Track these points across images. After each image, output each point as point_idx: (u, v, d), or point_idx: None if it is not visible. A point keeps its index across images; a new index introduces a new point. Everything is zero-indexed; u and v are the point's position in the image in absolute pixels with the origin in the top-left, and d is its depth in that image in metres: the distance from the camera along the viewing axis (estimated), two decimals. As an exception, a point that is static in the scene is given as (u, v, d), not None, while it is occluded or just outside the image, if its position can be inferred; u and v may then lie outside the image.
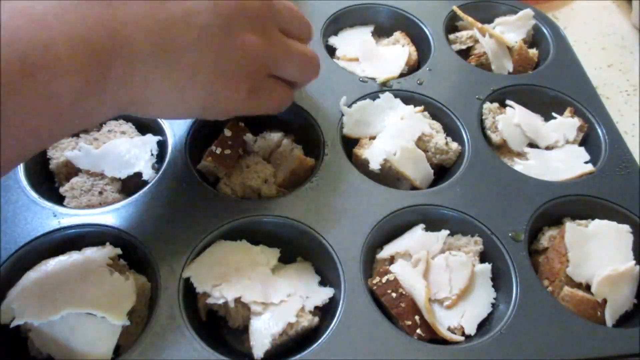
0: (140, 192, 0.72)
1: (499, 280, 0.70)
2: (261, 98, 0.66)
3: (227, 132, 0.77)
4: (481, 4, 1.03)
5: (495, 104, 0.88)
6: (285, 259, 0.70)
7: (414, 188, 0.78)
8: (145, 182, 0.74)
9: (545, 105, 0.90)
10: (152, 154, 0.75)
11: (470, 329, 0.66)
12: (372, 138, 0.82)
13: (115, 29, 0.50)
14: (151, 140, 0.77)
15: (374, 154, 0.78)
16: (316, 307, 0.66)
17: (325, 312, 0.67)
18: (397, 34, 0.98)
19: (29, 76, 0.45)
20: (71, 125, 0.53)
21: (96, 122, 0.63)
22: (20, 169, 0.72)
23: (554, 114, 0.89)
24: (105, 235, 0.67)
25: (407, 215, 0.73)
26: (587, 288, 0.69)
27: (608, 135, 0.85)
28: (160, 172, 0.74)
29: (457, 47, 0.98)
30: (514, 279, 0.68)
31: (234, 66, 0.60)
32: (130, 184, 0.74)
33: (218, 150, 0.75)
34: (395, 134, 0.80)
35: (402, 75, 0.90)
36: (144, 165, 0.74)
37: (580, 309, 0.67)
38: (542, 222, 0.76)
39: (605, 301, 0.68)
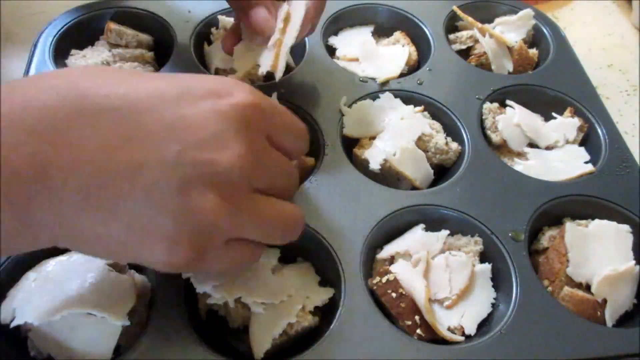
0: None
1: (499, 280, 0.70)
2: (209, 265, 0.53)
3: None
4: (481, 4, 1.03)
5: (495, 104, 0.88)
6: (285, 259, 0.70)
7: (414, 188, 0.79)
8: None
9: (545, 105, 0.90)
10: None
11: (470, 329, 0.66)
12: (372, 138, 0.82)
13: (44, 169, 0.44)
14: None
15: (374, 154, 0.78)
16: (316, 307, 0.66)
17: (325, 312, 0.67)
18: (397, 34, 0.98)
19: None
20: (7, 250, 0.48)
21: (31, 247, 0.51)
22: (20, 169, 0.72)
23: (554, 114, 0.89)
24: (105, 235, 0.67)
25: (407, 215, 0.73)
26: (587, 288, 0.69)
27: (608, 135, 0.85)
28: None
29: (457, 47, 0.98)
30: (514, 279, 0.68)
31: (178, 232, 0.48)
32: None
33: None
34: (395, 134, 0.80)
35: (402, 75, 0.90)
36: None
37: (580, 309, 0.67)
38: (542, 222, 0.76)
39: (605, 301, 0.68)
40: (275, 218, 0.55)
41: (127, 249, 0.50)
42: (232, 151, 0.50)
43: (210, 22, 0.94)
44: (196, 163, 0.48)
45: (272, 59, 0.74)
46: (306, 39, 0.93)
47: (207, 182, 0.49)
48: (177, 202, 0.48)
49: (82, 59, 0.87)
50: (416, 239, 0.71)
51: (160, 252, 0.49)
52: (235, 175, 0.50)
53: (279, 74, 0.75)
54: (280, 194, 0.56)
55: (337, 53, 0.96)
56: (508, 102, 0.89)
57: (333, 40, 0.98)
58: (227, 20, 0.93)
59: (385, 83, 0.88)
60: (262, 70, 0.75)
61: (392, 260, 0.71)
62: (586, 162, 0.83)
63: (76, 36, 0.90)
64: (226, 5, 0.96)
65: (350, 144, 0.82)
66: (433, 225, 0.73)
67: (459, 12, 0.99)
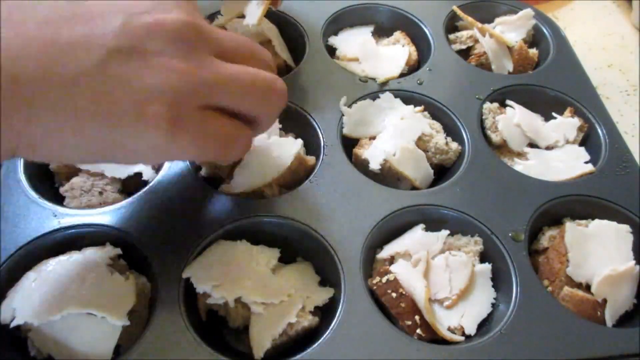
0: (140, 192, 0.72)
1: (499, 280, 0.70)
2: (191, 135, 0.50)
3: None
4: (481, 4, 1.03)
5: (495, 104, 0.88)
6: (285, 259, 0.70)
7: (414, 188, 0.79)
8: (146, 182, 0.74)
9: (545, 105, 0.90)
10: None
11: (470, 329, 0.66)
12: (372, 138, 0.82)
13: None
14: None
15: (374, 154, 0.78)
16: (316, 307, 0.66)
17: (325, 312, 0.67)
18: (397, 34, 0.98)
19: None
20: None
21: None
22: (20, 169, 0.72)
23: (554, 114, 0.89)
24: (105, 235, 0.67)
25: (407, 215, 0.73)
26: (587, 288, 0.69)
27: (608, 135, 0.85)
28: (160, 172, 0.74)
29: (457, 47, 0.98)
30: (514, 279, 0.68)
31: (147, 95, 0.47)
32: (130, 184, 0.74)
33: None
34: (395, 134, 0.80)
35: (402, 75, 0.90)
36: (144, 165, 0.74)
37: (580, 309, 0.67)
38: (542, 222, 0.76)
39: (605, 301, 0.68)
40: (248, 77, 0.52)
41: (98, 125, 0.47)
42: (178, 13, 0.50)
43: (210, 22, 0.94)
44: (143, 26, 0.47)
45: (258, 16, 0.77)
46: (306, 39, 0.93)
47: (163, 44, 0.48)
48: (131, 70, 0.46)
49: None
50: (416, 239, 0.71)
51: (130, 128, 0.47)
52: (187, 32, 0.49)
53: (259, 28, 0.77)
54: (253, 57, 0.54)
55: (337, 53, 0.96)
56: (508, 102, 0.89)
57: (333, 40, 0.98)
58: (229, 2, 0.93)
59: (385, 83, 0.88)
60: (247, 21, 0.77)
61: (392, 260, 0.71)
62: (586, 162, 0.83)
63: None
64: (226, 5, 0.96)
65: (350, 144, 0.82)
66: (433, 225, 0.73)
67: (459, 12, 0.99)
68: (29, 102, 0.44)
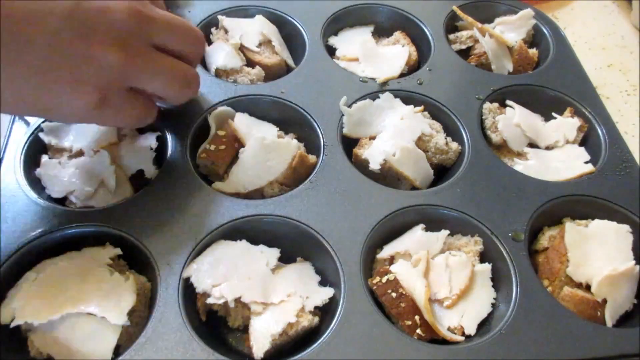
0: (140, 191, 0.72)
1: (499, 280, 0.70)
2: (113, 111, 0.61)
3: (221, 132, 0.77)
4: (481, 4, 1.04)
5: (495, 104, 0.88)
6: (285, 259, 0.70)
7: (414, 188, 0.79)
8: (148, 180, 0.74)
9: (545, 105, 0.90)
10: (151, 149, 0.76)
11: (470, 329, 0.66)
12: (372, 138, 0.82)
13: None
14: (150, 137, 0.77)
15: (374, 154, 0.78)
16: (316, 307, 0.66)
17: (325, 312, 0.67)
18: (397, 34, 0.98)
19: None
20: None
21: None
22: (20, 169, 0.72)
23: (554, 114, 0.89)
24: (105, 235, 0.68)
25: (407, 215, 0.73)
26: (587, 288, 0.69)
27: (608, 135, 0.85)
28: (161, 173, 0.74)
29: (457, 47, 0.98)
30: (514, 279, 0.68)
31: (83, 75, 0.57)
32: (134, 182, 0.75)
33: (212, 147, 0.76)
34: (395, 134, 0.80)
35: (402, 75, 0.90)
36: (144, 163, 0.75)
37: (580, 309, 0.67)
38: (542, 222, 0.76)
39: (605, 301, 0.68)
40: (171, 70, 0.63)
41: (38, 95, 0.56)
42: (124, 2, 0.58)
43: (210, 22, 0.94)
44: (92, 10, 0.55)
45: None
46: (306, 38, 0.93)
47: (106, 31, 0.56)
48: (79, 48, 0.55)
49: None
50: (416, 239, 0.71)
51: (66, 95, 0.56)
52: (130, 24, 0.58)
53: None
54: (182, 52, 0.65)
55: (337, 53, 0.96)
56: (508, 102, 0.89)
57: (333, 40, 0.98)
58: (227, 20, 0.93)
59: (385, 83, 0.88)
60: None
61: (392, 260, 0.71)
62: (586, 162, 0.83)
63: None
64: (226, 5, 0.96)
65: (350, 144, 0.82)
66: (433, 225, 0.73)
67: (459, 12, 0.99)
68: None
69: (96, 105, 0.58)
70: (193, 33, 0.67)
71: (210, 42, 0.92)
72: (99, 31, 0.56)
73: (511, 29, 0.99)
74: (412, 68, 0.94)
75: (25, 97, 0.56)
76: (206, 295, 0.64)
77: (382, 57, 0.93)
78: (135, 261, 0.68)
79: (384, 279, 0.66)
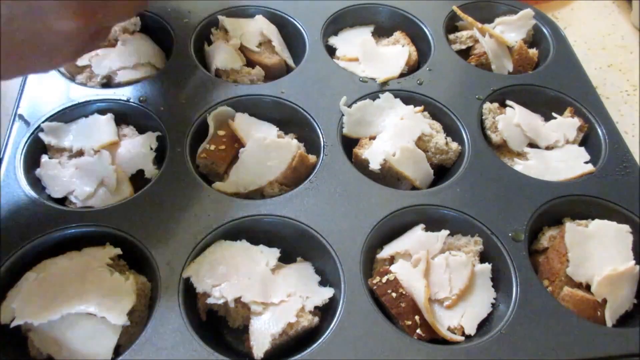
0: (141, 192, 0.72)
1: (499, 280, 0.70)
2: (106, 11, 0.62)
3: (221, 132, 0.77)
4: (481, 4, 1.03)
5: (495, 104, 0.88)
6: (285, 259, 0.70)
7: (414, 188, 0.79)
8: (148, 180, 0.74)
9: (545, 105, 0.90)
10: (151, 149, 0.76)
11: (470, 329, 0.66)
12: (372, 138, 0.82)
13: None
14: (150, 136, 0.78)
15: (374, 154, 0.78)
16: (316, 307, 0.66)
17: (325, 312, 0.67)
18: (397, 34, 0.98)
19: None
20: None
21: None
22: (20, 169, 0.72)
23: (554, 114, 0.89)
24: (105, 235, 0.68)
25: (407, 215, 0.73)
26: (587, 288, 0.69)
27: (608, 135, 0.85)
28: (160, 173, 0.74)
29: (457, 47, 0.98)
30: (514, 279, 0.68)
31: (55, 49, 0.60)
32: (134, 182, 0.75)
33: (212, 147, 0.76)
34: (395, 134, 0.80)
35: (402, 75, 0.90)
36: (144, 163, 0.75)
37: (580, 309, 0.67)
38: (542, 222, 0.76)
39: (605, 301, 0.68)
40: (123, 4, 0.64)
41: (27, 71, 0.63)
42: None
43: (210, 22, 0.94)
44: None
45: None
46: (306, 38, 0.93)
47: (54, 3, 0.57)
48: (37, 27, 0.56)
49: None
50: (416, 239, 0.71)
51: (47, 65, 0.61)
52: None
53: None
54: None
55: (337, 53, 0.96)
56: (508, 102, 0.89)
57: (333, 40, 0.98)
58: (227, 20, 0.93)
59: (385, 83, 0.88)
60: None
61: (392, 260, 0.71)
62: (586, 162, 0.83)
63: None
64: (226, 5, 0.96)
65: (350, 144, 0.82)
66: (433, 225, 0.73)
67: (459, 12, 0.99)
68: None
69: (77, 54, 0.63)
70: None
71: (210, 42, 0.92)
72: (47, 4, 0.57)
73: (511, 29, 0.99)
74: (412, 68, 0.94)
75: (12, 61, 0.59)
76: (206, 295, 0.64)
77: (382, 57, 0.93)
78: (135, 261, 0.68)
79: (384, 279, 0.66)
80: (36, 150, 0.76)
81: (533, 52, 0.98)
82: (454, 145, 0.82)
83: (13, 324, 0.59)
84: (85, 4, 0.60)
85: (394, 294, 0.65)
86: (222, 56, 0.88)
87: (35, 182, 0.73)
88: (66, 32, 0.59)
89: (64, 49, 0.61)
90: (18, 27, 0.57)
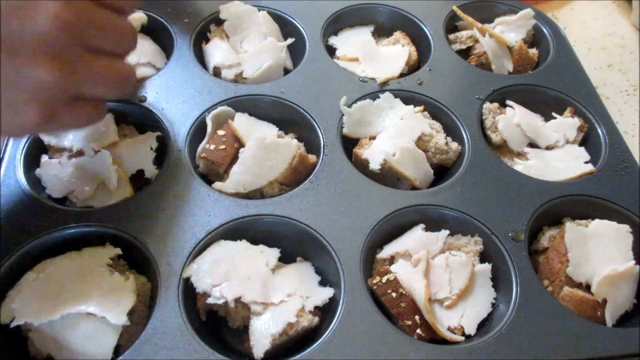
0: (141, 192, 0.72)
1: (499, 280, 0.70)
2: (62, 122, 0.58)
3: (221, 132, 0.77)
4: (481, 4, 1.03)
5: (495, 104, 0.88)
6: (285, 259, 0.70)
7: (414, 188, 0.79)
8: (148, 180, 0.74)
9: (545, 105, 0.90)
10: (151, 149, 0.76)
11: (470, 329, 0.66)
12: (372, 138, 0.82)
13: None
14: (150, 136, 0.78)
15: (374, 154, 0.78)
16: (316, 307, 0.66)
17: (325, 312, 0.67)
18: (397, 34, 0.98)
19: None
20: None
21: None
22: (20, 168, 0.72)
23: (554, 114, 0.89)
24: (105, 235, 0.68)
25: (407, 215, 0.73)
26: (587, 288, 0.69)
27: (608, 135, 0.85)
28: (161, 173, 0.74)
29: (457, 47, 0.98)
30: (514, 279, 0.68)
31: (21, 96, 0.52)
32: (134, 182, 0.75)
33: (212, 147, 0.76)
34: (395, 134, 0.80)
35: (402, 75, 0.90)
36: (144, 163, 0.75)
37: (580, 309, 0.67)
38: (542, 222, 0.76)
39: (605, 301, 0.68)
40: (107, 73, 0.59)
41: None
42: (48, 10, 0.52)
43: (210, 22, 0.94)
44: (13, 25, 0.49)
45: None
46: (306, 38, 0.93)
47: (33, 45, 0.51)
48: (9, 70, 0.50)
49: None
50: (416, 239, 0.71)
51: (10, 116, 0.52)
52: (58, 33, 0.52)
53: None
54: (114, 51, 0.60)
55: (337, 53, 0.96)
56: (508, 102, 0.89)
57: (333, 40, 0.98)
58: (227, 12, 0.93)
59: (385, 83, 0.88)
60: None
61: (392, 260, 0.71)
62: (586, 162, 0.83)
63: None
64: (226, 4, 0.96)
65: (350, 144, 0.82)
66: (433, 225, 0.73)
67: (459, 12, 0.99)
68: None
69: (43, 120, 0.55)
70: (122, 29, 0.62)
71: (207, 40, 0.92)
72: (25, 47, 0.51)
73: (511, 29, 0.99)
74: (412, 68, 0.94)
75: None
76: (206, 295, 0.64)
77: (382, 57, 0.93)
78: (135, 261, 0.68)
79: (384, 279, 0.66)
80: (36, 150, 0.76)
81: (533, 52, 0.98)
82: (454, 145, 0.82)
83: (13, 324, 0.59)
84: (65, 55, 0.53)
85: (394, 294, 0.65)
86: (220, 54, 0.88)
87: (35, 182, 0.73)
88: (38, 81, 0.52)
89: (32, 101, 0.53)
90: None
